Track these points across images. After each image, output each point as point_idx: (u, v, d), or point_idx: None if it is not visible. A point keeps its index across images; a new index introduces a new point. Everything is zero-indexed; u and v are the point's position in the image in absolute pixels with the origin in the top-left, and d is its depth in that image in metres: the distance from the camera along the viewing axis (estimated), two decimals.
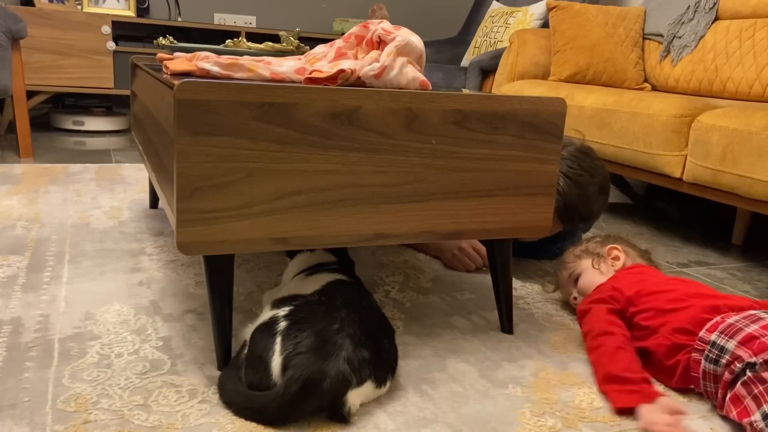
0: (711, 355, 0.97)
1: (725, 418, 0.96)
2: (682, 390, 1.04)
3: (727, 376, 0.94)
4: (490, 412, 0.94)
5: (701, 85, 2.41)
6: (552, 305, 1.37)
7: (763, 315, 0.98)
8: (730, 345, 0.95)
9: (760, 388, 0.88)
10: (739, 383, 0.91)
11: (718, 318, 1.00)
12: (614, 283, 1.16)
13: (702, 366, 0.98)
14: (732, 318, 0.99)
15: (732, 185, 1.62)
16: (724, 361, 0.95)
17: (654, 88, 2.63)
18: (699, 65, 2.43)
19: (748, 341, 0.93)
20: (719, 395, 0.96)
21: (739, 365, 0.92)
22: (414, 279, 1.46)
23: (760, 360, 0.90)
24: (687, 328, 1.02)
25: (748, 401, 0.89)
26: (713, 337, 0.98)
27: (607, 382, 1.00)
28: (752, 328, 0.95)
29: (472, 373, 1.05)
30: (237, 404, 0.89)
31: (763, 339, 0.92)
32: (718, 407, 0.97)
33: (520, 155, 1.07)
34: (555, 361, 1.12)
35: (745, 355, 0.92)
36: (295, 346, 0.86)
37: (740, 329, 0.95)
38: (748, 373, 0.90)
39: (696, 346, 1.00)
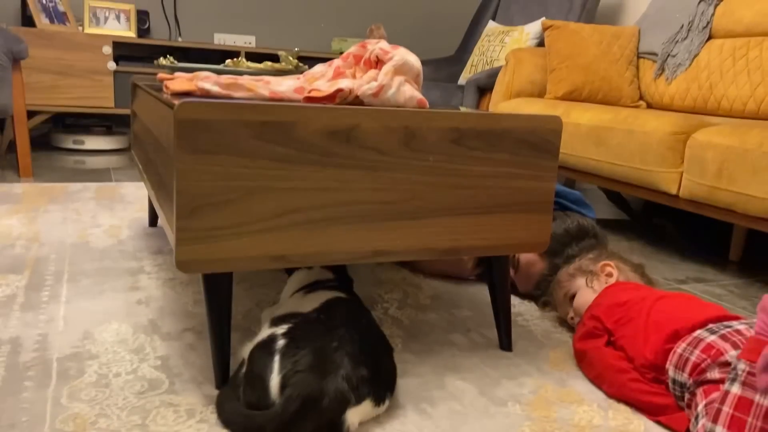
0: (676, 392, 0.98)
1: None
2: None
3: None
4: (489, 431, 0.94)
5: (696, 103, 2.44)
6: (551, 322, 1.37)
7: (704, 335, 0.96)
8: (683, 378, 0.95)
9: (693, 403, 0.90)
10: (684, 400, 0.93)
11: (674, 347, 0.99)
12: (594, 312, 1.15)
13: (677, 401, 0.99)
14: (680, 347, 0.98)
15: (728, 202, 1.63)
16: (688, 394, 0.95)
17: (649, 106, 2.65)
18: (693, 83, 2.45)
19: (693, 370, 0.93)
20: None
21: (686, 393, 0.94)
22: (413, 296, 1.46)
23: (691, 381, 0.91)
24: (655, 364, 1.01)
25: (693, 421, 0.90)
26: (671, 373, 0.98)
27: (660, 414, 0.99)
28: (695, 355, 0.94)
29: (471, 390, 1.05)
30: (235, 423, 0.88)
31: (703, 365, 0.92)
32: None
33: (517, 172, 1.08)
34: (554, 378, 1.11)
35: (690, 383, 0.93)
36: (294, 364, 0.86)
37: (687, 359, 0.95)
38: (686, 395, 0.92)
39: (668, 381, 1.00)
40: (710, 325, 0.98)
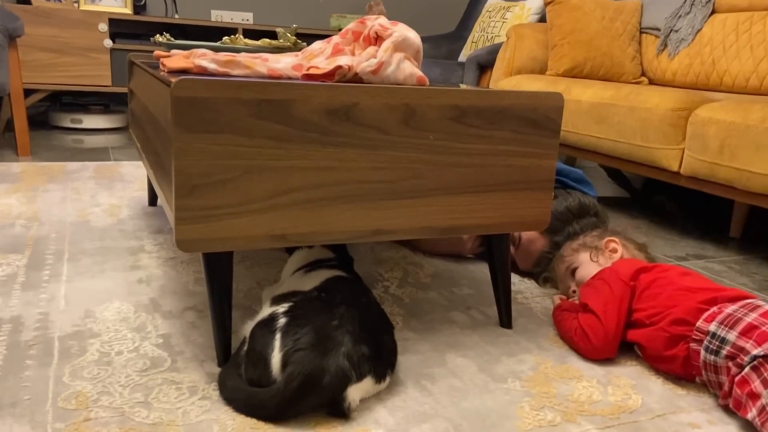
0: (711, 346, 0.98)
1: (726, 410, 0.97)
2: (681, 383, 1.05)
3: (734, 370, 0.94)
4: (489, 407, 0.94)
5: (698, 79, 2.41)
6: (550, 300, 1.37)
7: (760, 303, 0.99)
8: (731, 336, 0.95)
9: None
10: (747, 368, 0.92)
11: (715, 308, 1.01)
12: (606, 271, 1.17)
13: (702, 357, 0.99)
14: (730, 308, 0.99)
15: (729, 178, 1.62)
16: (725, 352, 0.95)
17: (651, 82, 2.63)
18: (696, 59, 2.43)
19: (748, 331, 0.94)
20: (726, 387, 0.96)
21: (746, 358, 0.92)
22: (413, 275, 1.47)
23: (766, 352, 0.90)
24: (684, 319, 1.02)
25: (757, 384, 0.90)
26: (712, 327, 0.98)
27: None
28: (751, 317, 0.95)
29: (471, 367, 1.06)
30: (237, 401, 0.89)
31: (764, 328, 0.93)
32: (722, 397, 0.97)
33: (517, 150, 1.08)
34: (554, 355, 1.12)
35: (749, 346, 0.92)
36: (295, 342, 0.87)
37: (740, 319, 0.96)
38: (757, 360, 0.91)
39: (694, 336, 1.00)
40: (749, 300, 1.01)
